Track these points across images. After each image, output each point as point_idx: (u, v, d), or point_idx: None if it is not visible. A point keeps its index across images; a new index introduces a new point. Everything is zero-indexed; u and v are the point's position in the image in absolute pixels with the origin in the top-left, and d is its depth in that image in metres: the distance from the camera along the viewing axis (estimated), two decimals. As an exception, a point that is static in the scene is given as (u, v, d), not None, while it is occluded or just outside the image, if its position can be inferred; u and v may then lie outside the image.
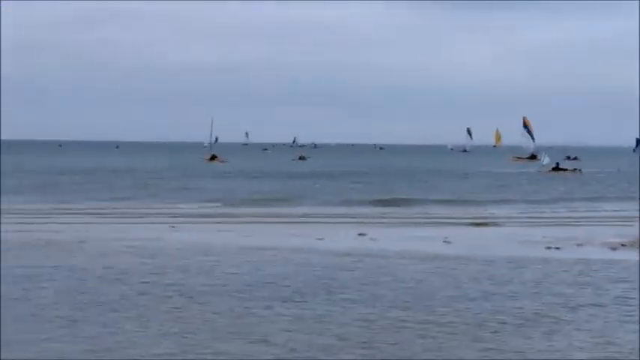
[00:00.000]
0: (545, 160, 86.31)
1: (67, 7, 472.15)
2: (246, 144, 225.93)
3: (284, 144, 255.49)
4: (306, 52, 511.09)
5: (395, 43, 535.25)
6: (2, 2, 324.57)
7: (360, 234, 26.36)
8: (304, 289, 16.37)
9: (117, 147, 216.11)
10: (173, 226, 28.56)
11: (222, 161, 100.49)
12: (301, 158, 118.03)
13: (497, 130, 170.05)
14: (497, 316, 14.12)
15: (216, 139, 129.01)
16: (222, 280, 17.36)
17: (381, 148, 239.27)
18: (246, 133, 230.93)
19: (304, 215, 34.38)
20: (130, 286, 16.52)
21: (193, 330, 13.02)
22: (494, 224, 31.46)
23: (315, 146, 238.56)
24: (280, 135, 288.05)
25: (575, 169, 75.16)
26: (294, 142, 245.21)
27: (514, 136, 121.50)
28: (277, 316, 14.04)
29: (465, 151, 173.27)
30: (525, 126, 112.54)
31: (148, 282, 17.08)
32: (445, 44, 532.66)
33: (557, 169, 75.79)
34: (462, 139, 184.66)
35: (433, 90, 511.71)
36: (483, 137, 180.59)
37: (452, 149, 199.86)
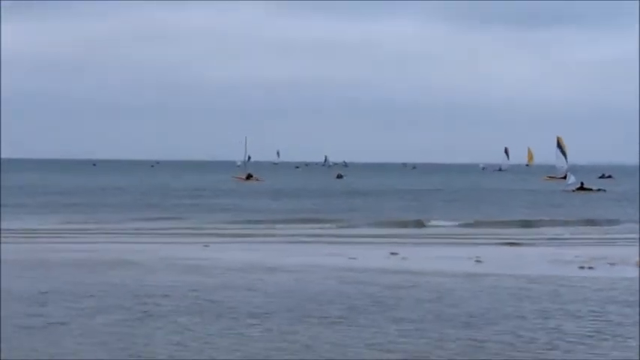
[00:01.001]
0: (571, 179, 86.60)
1: (96, 25, 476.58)
2: (276, 163, 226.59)
3: (316, 163, 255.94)
4: (335, 68, 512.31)
5: (428, 60, 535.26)
6: (2, 2, 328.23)
7: (391, 253, 26.57)
8: (352, 308, 16.52)
9: (152, 166, 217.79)
10: (207, 245, 28.89)
11: (258, 180, 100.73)
12: (339, 177, 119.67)
13: (529, 150, 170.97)
14: (554, 334, 14.28)
15: (249, 158, 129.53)
16: (267, 299, 17.53)
17: (413, 167, 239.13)
18: (277, 152, 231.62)
19: (339, 235, 34.72)
20: (177, 302, 16.80)
21: (275, 348, 13.28)
22: (526, 244, 31.54)
23: (346, 165, 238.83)
24: (305, 153, 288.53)
25: (599, 189, 75.66)
26: (325, 161, 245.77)
27: (545, 155, 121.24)
28: (337, 333, 14.22)
29: (500, 170, 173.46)
30: (559, 146, 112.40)
31: (196, 299, 17.32)
32: (480, 62, 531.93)
33: (582, 188, 76.27)
34: (494, 158, 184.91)
35: (465, 108, 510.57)
36: (516, 156, 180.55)
37: (484, 168, 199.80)
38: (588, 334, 14.40)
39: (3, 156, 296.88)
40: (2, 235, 32.00)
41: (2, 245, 28.00)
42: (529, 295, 18.45)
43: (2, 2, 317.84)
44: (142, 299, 17.27)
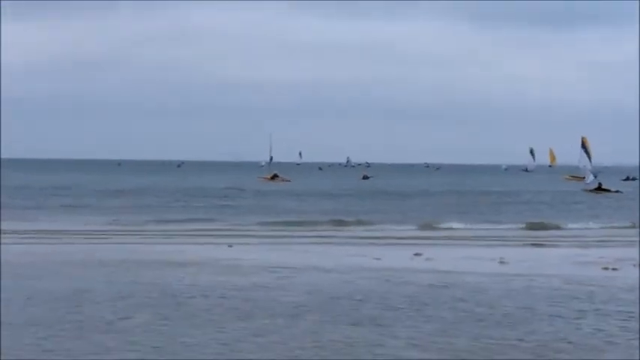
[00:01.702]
0: (589, 179, 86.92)
1: (126, 25, 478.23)
2: (298, 164, 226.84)
3: (339, 164, 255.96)
4: (354, 69, 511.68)
5: (450, 60, 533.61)
6: (2, 2, 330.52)
7: (415, 254, 26.87)
8: (386, 307, 16.78)
9: (178, 166, 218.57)
10: (230, 246, 29.26)
11: (283, 180, 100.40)
12: (365, 177, 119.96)
13: (550, 150, 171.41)
14: (589, 335, 14.49)
15: (271, 159, 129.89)
16: (298, 298, 17.77)
17: (437, 168, 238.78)
18: (300, 153, 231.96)
19: (363, 236, 35.04)
20: (210, 300, 17.18)
21: (315, 346, 13.53)
22: (548, 245, 31.75)
23: (369, 165, 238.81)
24: (324, 154, 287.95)
25: (617, 191, 76.16)
26: (347, 161, 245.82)
27: (566, 156, 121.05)
28: (372, 333, 14.45)
29: (526, 170, 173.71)
30: (584, 146, 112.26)
31: (227, 299, 17.60)
32: (504, 62, 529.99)
33: (599, 189, 77.01)
34: (515, 159, 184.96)
35: (488, 108, 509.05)
36: (538, 157, 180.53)
37: (506, 169, 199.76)
38: (620, 334, 14.57)
39: (24, 156, 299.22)
40: (33, 236, 32.66)
41: (36, 246, 28.62)
42: (558, 295, 18.64)
43: (2, 2, 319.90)
44: (176, 299, 17.63)
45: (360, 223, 41.73)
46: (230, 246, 29.16)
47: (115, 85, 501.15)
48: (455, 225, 40.39)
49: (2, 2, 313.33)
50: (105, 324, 14.99)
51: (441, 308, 16.77)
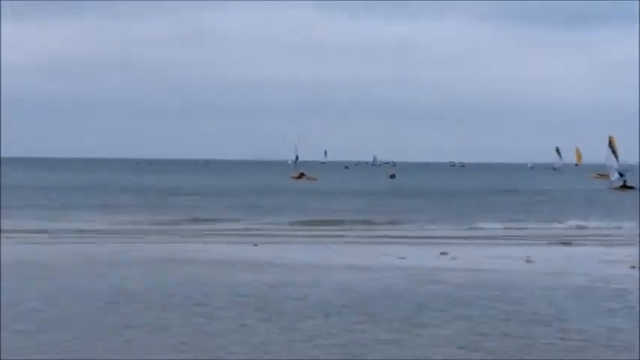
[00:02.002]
0: (614, 176, 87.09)
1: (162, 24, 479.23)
2: (323, 162, 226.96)
3: (366, 162, 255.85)
4: (380, 68, 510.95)
5: (476, 59, 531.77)
6: (2, 2, 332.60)
7: (441, 253, 26.93)
8: (420, 307, 16.93)
9: (205, 164, 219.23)
10: (255, 245, 29.43)
11: (310, 179, 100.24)
12: (392, 176, 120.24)
13: (577, 149, 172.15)
14: (624, 334, 14.57)
15: (297, 158, 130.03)
16: (331, 298, 17.90)
17: (462, 166, 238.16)
18: (325, 152, 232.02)
19: (392, 236, 35.14)
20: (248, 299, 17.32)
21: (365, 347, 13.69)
22: (575, 243, 31.69)
23: (394, 164, 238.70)
24: (349, 152, 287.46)
25: None
26: (374, 160, 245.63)
27: (591, 154, 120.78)
28: (410, 333, 14.56)
29: (554, 169, 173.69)
30: (610, 145, 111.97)
31: (258, 298, 17.77)
32: (528, 61, 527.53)
33: (624, 186, 79.26)
34: (540, 157, 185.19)
35: (513, 107, 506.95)
36: (564, 156, 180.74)
37: (531, 167, 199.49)
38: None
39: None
40: (66, 234, 33.08)
41: (67, 245, 28.96)
42: (586, 293, 18.77)
43: (2, 2, 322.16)
44: (205, 298, 17.86)
45: (387, 222, 41.84)
46: (255, 245, 29.36)
47: (139, 85, 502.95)
48: (482, 224, 40.38)
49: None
50: (129, 323, 15.22)
51: (471, 307, 16.87)
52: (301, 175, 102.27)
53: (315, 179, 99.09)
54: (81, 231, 35.22)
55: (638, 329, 14.87)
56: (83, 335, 14.14)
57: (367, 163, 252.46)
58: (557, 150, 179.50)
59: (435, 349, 13.42)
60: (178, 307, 16.71)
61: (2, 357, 12.79)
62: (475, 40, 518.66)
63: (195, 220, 42.24)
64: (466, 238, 34.10)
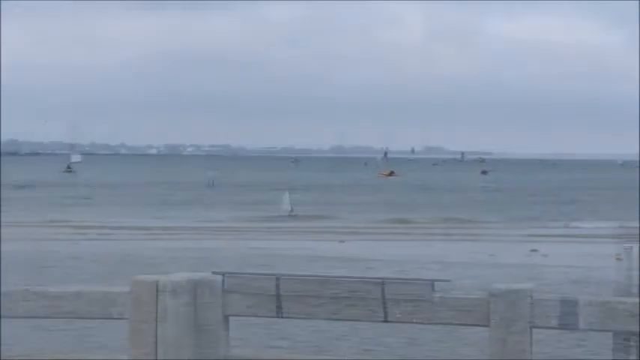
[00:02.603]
0: None
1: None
2: (410, 159, 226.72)
3: (454, 159, 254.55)
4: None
5: (570, 53, 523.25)
6: (2, 2, 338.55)
7: (532, 250, 27.06)
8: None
9: (292, 161, 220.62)
10: (342, 241, 29.91)
11: (393, 175, 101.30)
12: (483, 172, 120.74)
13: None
14: None
15: (386, 154, 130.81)
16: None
17: (553, 164, 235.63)
18: (412, 149, 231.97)
19: (477, 234, 35.31)
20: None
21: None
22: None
23: (483, 160, 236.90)
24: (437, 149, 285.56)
25: None
26: (462, 156, 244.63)
27: None
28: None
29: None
30: None
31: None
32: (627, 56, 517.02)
33: None
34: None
35: (605, 104, 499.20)
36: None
37: (622, 164, 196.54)
38: None
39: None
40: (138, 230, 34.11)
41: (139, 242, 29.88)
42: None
43: (2, 2, 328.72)
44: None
45: (474, 218, 41.91)
46: (342, 241, 29.75)
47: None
48: (572, 222, 40.19)
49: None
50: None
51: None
52: (392, 174, 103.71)
53: (399, 176, 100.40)
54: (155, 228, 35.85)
55: None
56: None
57: (455, 159, 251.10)
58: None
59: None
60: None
61: None
62: None
63: (286, 218, 42.79)
64: (555, 235, 34.00)
